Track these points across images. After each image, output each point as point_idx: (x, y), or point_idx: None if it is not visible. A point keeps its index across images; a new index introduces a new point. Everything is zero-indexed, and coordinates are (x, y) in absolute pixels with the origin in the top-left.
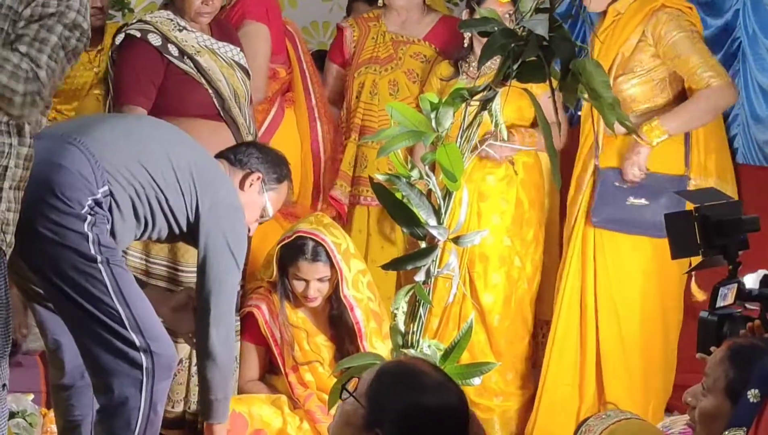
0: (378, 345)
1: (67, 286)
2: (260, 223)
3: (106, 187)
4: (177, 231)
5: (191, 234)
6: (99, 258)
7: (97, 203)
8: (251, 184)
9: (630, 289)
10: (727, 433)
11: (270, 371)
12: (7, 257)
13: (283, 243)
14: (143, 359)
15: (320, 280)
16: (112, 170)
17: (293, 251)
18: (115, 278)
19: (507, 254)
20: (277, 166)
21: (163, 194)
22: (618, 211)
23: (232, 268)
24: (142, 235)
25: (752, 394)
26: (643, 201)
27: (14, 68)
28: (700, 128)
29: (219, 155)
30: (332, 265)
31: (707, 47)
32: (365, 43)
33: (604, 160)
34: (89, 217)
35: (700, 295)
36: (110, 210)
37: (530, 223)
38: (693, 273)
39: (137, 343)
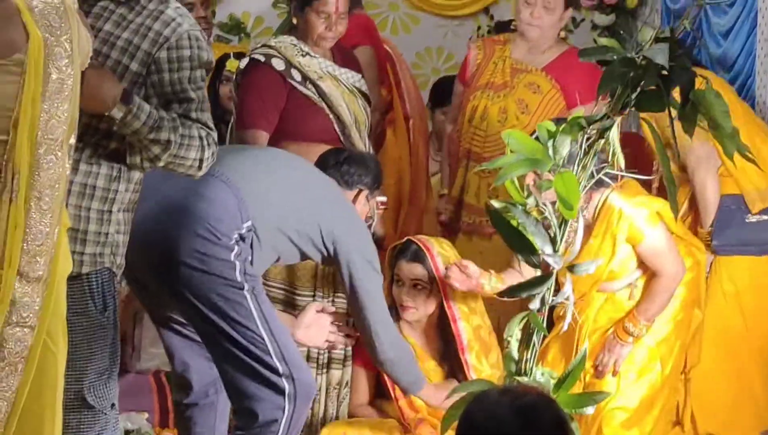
0: (483, 364)
1: (213, 313)
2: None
3: (249, 223)
4: (311, 256)
5: (328, 257)
6: (246, 286)
7: (242, 238)
8: (359, 201)
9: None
10: None
11: (380, 396)
12: (118, 277)
13: (393, 245)
14: (286, 385)
15: (415, 285)
16: (254, 206)
17: (397, 253)
18: (260, 306)
19: None
20: (376, 177)
21: (300, 224)
22: (740, 231)
23: (375, 277)
24: (276, 262)
25: None
26: (764, 217)
27: (199, 141)
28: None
29: (324, 171)
30: (433, 278)
31: None
32: (486, 67)
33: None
34: (236, 248)
35: None
36: (251, 244)
37: None
38: None
39: (280, 369)
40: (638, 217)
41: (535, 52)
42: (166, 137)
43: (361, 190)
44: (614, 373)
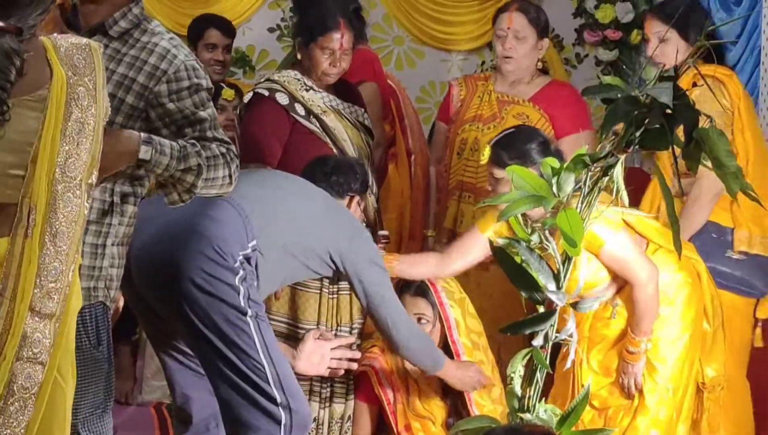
0: (485, 400)
1: (216, 337)
2: None
3: (254, 242)
4: (316, 272)
5: (337, 269)
6: (249, 312)
7: (247, 258)
8: (352, 205)
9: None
10: None
11: (382, 430)
12: (111, 311)
13: (397, 280)
14: (282, 415)
15: (419, 320)
16: (258, 224)
17: (402, 287)
18: (262, 333)
19: None
20: (364, 181)
21: (305, 241)
22: (720, 263)
23: (383, 277)
24: (283, 281)
25: None
26: (741, 255)
27: (222, 158)
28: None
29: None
30: (438, 312)
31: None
32: (471, 102)
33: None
34: (241, 272)
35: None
36: (256, 264)
37: None
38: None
39: (278, 399)
40: (595, 224)
41: (517, 85)
42: (195, 162)
43: (352, 197)
44: (638, 389)
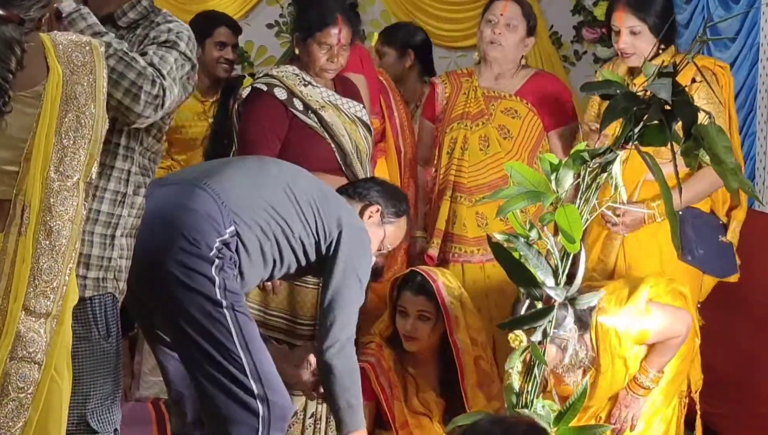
0: (480, 396)
1: (192, 329)
2: (378, 257)
3: (232, 228)
4: (305, 263)
5: (321, 263)
6: (224, 303)
7: (225, 244)
8: (370, 216)
9: None
10: None
11: (380, 426)
12: (120, 303)
13: (396, 277)
14: (260, 408)
15: (420, 317)
16: (237, 210)
17: (401, 284)
18: (239, 325)
19: None
20: (396, 201)
21: (289, 228)
22: (715, 251)
23: (357, 292)
24: (271, 273)
25: None
26: (728, 239)
27: (142, 69)
28: None
29: (338, 190)
30: (438, 309)
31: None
32: (457, 99)
33: None
34: (217, 261)
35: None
36: (237, 250)
37: None
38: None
39: (256, 391)
40: (634, 325)
41: (502, 78)
42: (108, 39)
43: (370, 204)
44: (632, 428)
